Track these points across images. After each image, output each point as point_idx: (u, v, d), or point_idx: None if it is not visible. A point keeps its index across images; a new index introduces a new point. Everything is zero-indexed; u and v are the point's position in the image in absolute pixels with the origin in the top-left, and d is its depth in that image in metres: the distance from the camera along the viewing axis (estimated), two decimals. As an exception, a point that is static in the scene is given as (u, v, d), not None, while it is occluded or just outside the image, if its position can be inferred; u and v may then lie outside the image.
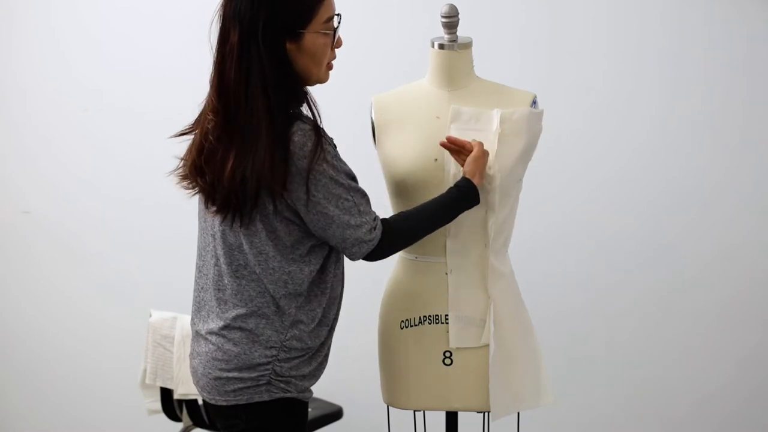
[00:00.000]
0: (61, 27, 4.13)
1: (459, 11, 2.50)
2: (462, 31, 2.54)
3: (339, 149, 2.33)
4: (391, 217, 2.39)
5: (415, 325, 2.56)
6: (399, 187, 2.54)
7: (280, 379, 2.34)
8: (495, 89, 2.55)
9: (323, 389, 3.42)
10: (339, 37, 2.32)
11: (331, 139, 2.31)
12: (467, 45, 2.54)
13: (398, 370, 2.60)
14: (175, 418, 3.46)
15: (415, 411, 2.65)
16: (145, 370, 3.44)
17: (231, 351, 2.34)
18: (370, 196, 2.34)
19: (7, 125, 4.24)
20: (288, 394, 2.35)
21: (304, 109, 2.31)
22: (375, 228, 2.31)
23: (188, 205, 2.47)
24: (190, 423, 3.42)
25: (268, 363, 2.33)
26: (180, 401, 3.41)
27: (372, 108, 2.61)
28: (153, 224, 4.09)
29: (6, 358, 4.36)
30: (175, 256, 3.80)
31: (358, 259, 2.33)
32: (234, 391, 2.34)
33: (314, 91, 2.36)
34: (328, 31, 2.28)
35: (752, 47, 3.58)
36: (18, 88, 4.20)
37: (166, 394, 3.44)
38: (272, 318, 2.32)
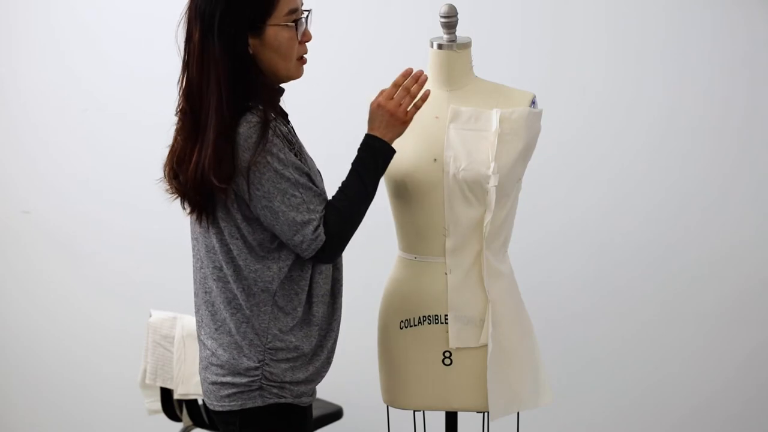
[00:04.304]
0: (61, 27, 4.13)
1: (458, 11, 2.51)
2: (462, 31, 2.54)
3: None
4: (324, 212, 2.30)
5: (415, 325, 2.56)
6: (398, 188, 2.54)
7: (272, 384, 2.32)
8: (494, 89, 2.55)
9: (323, 389, 3.41)
10: (307, 31, 2.30)
11: (288, 132, 2.28)
12: (466, 45, 2.54)
13: (398, 370, 2.60)
14: (175, 418, 3.47)
15: (414, 411, 2.65)
16: (145, 370, 3.44)
17: (222, 356, 2.33)
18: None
19: (7, 125, 4.24)
20: (282, 400, 2.33)
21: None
22: (321, 225, 2.27)
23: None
24: (190, 423, 3.42)
25: (257, 368, 2.31)
26: (180, 401, 3.41)
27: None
28: (153, 224, 4.08)
29: (5, 359, 4.36)
30: (175, 257, 3.80)
31: (309, 257, 2.28)
32: (228, 396, 2.33)
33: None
34: (290, 24, 2.26)
35: (754, 47, 3.58)
36: (18, 88, 4.20)
37: (166, 394, 3.44)
38: (252, 321, 2.31)
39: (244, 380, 2.32)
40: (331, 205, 2.29)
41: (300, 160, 2.28)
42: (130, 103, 4.07)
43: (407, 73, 2.34)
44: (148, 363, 3.43)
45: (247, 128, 2.21)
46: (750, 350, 3.69)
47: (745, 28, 3.58)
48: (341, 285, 2.43)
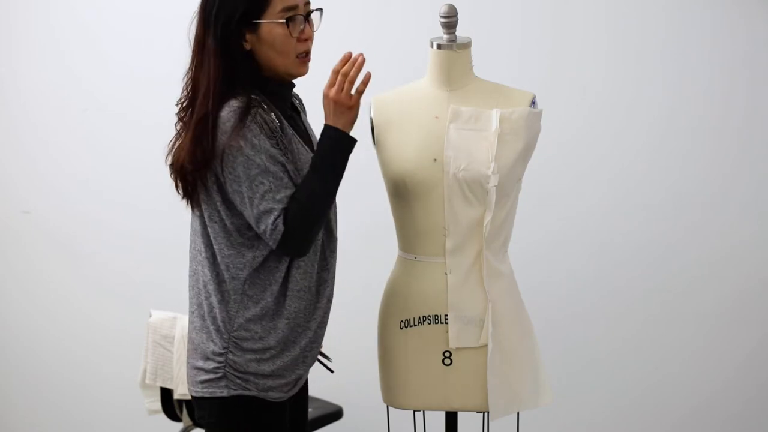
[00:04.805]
0: (61, 27, 4.13)
1: (458, 11, 2.51)
2: (462, 31, 2.54)
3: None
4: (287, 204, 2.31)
5: (415, 325, 2.56)
6: (398, 188, 2.54)
7: (237, 374, 2.34)
8: (494, 89, 2.55)
9: (323, 389, 3.42)
10: (306, 29, 2.33)
11: (272, 121, 2.29)
12: (466, 45, 2.54)
13: (398, 370, 2.60)
14: (175, 418, 3.47)
15: (414, 411, 2.65)
16: (145, 370, 3.44)
17: (195, 339, 2.38)
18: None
19: (7, 125, 4.24)
20: (247, 392, 2.35)
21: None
22: (281, 216, 2.28)
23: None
24: (190, 423, 3.42)
25: (221, 354, 2.34)
26: (180, 401, 3.41)
27: (371, 108, 2.61)
28: (152, 224, 4.08)
29: (5, 359, 4.36)
30: (175, 257, 3.79)
31: (275, 248, 2.29)
32: (201, 382, 2.36)
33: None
34: (282, 21, 2.29)
35: (754, 47, 3.58)
36: (18, 88, 4.20)
37: (166, 394, 3.44)
38: (219, 307, 2.33)
39: (210, 366, 2.34)
40: (292, 198, 2.29)
41: (282, 150, 2.29)
42: (130, 103, 4.07)
43: (346, 59, 2.33)
44: (148, 363, 3.43)
45: (227, 112, 2.25)
46: (750, 350, 3.70)
47: (745, 28, 3.58)
48: (329, 286, 2.43)
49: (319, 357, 2.64)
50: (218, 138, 2.25)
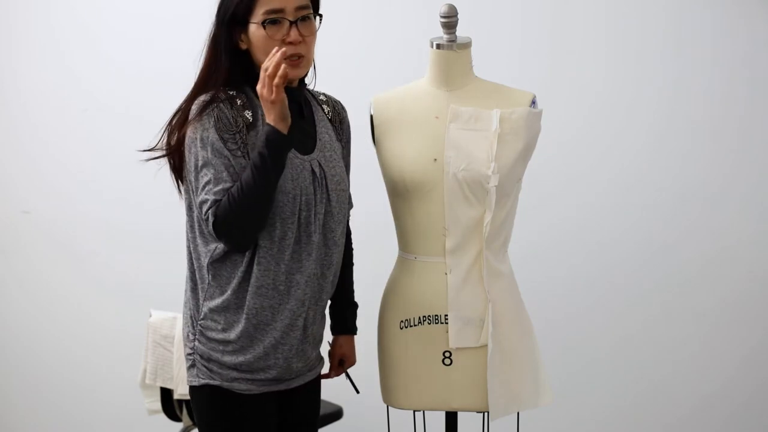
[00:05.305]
0: (61, 27, 4.13)
1: (458, 11, 2.51)
2: (462, 31, 2.54)
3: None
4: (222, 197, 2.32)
5: (415, 325, 2.57)
6: (398, 187, 2.54)
7: (203, 362, 2.37)
8: (494, 89, 2.55)
9: (323, 389, 3.41)
10: (291, 33, 2.34)
11: (235, 116, 2.32)
12: (466, 45, 2.54)
13: (398, 370, 2.60)
14: (175, 418, 3.47)
15: (414, 411, 2.65)
16: (145, 370, 3.44)
17: (182, 326, 2.45)
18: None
19: (7, 125, 4.24)
20: (213, 381, 2.37)
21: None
22: (212, 207, 2.30)
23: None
24: (190, 423, 3.42)
25: (192, 340, 2.39)
26: (180, 401, 3.41)
27: (371, 107, 2.61)
28: (153, 224, 4.08)
29: (5, 359, 4.36)
30: (176, 257, 3.79)
31: (216, 236, 2.31)
32: (187, 370, 2.42)
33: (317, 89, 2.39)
34: (259, 23, 2.33)
35: (754, 47, 3.59)
36: (18, 88, 4.20)
37: (166, 394, 3.44)
38: (191, 294, 2.40)
39: (186, 352, 2.40)
40: (228, 191, 2.30)
41: (239, 146, 2.31)
42: (131, 103, 4.07)
43: (271, 55, 2.29)
44: (148, 363, 3.43)
45: (195, 105, 2.34)
46: (749, 350, 3.70)
47: (745, 28, 3.58)
48: (301, 288, 2.39)
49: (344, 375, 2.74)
50: (183, 130, 2.34)
